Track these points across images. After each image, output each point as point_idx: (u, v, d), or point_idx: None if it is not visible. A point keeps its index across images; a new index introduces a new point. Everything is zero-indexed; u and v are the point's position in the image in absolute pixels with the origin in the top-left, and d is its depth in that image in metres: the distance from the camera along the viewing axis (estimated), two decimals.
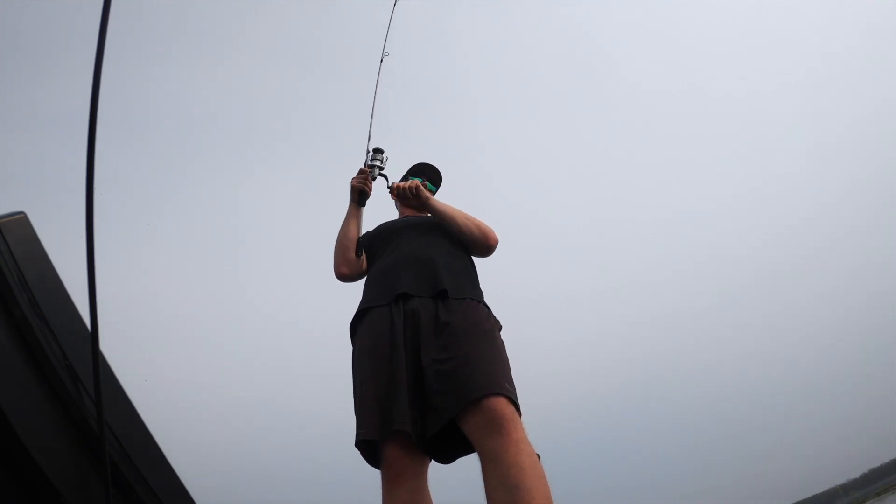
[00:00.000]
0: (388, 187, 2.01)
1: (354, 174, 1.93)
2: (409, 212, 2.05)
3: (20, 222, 0.79)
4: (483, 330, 1.50)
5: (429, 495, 1.39)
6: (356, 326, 1.63)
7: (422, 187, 1.93)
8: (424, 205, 1.93)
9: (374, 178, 1.93)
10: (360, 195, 1.89)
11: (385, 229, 1.92)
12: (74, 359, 0.79)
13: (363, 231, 1.93)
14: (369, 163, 1.96)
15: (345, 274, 1.84)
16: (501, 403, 1.28)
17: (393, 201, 2.14)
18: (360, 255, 1.84)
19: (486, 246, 1.83)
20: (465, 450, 1.40)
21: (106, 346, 0.79)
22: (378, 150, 1.98)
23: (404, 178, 2.11)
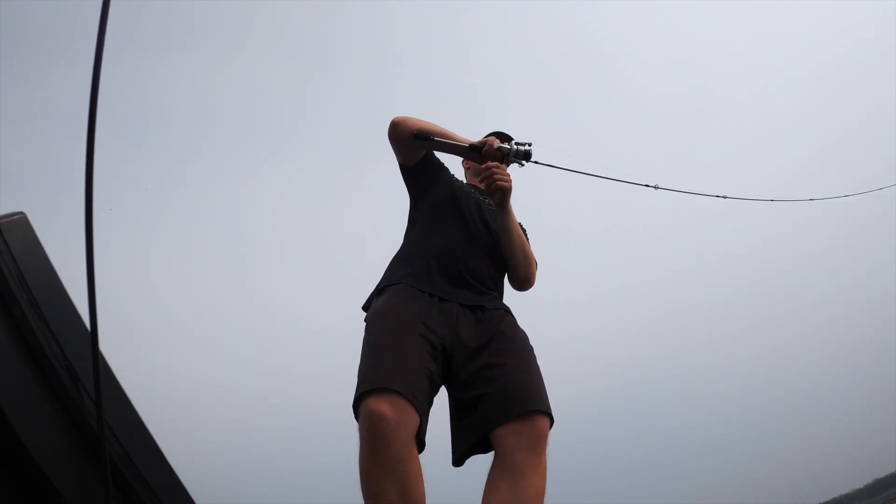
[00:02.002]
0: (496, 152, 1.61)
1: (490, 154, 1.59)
2: (475, 182, 1.77)
3: (20, 222, 0.79)
4: (529, 346, 1.50)
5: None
6: (393, 285, 1.49)
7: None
8: (502, 209, 1.60)
9: (504, 154, 1.60)
10: (478, 153, 1.59)
11: (455, 191, 1.67)
12: (74, 359, 0.79)
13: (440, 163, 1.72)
14: (514, 153, 1.61)
15: (396, 138, 1.60)
16: (547, 424, 1.33)
17: (463, 165, 1.87)
18: (419, 157, 1.64)
19: (521, 285, 1.70)
20: (472, 452, 1.38)
21: (106, 345, 0.79)
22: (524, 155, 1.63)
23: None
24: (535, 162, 1.64)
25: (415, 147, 1.61)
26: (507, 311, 1.57)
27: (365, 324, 1.45)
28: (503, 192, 1.56)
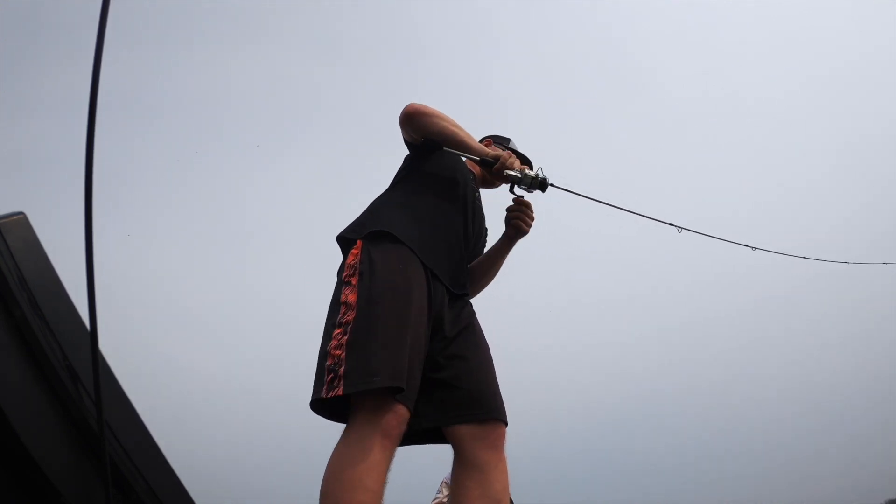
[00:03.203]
0: (516, 191, 1.62)
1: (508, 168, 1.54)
2: (474, 169, 1.71)
3: (20, 222, 0.79)
4: (488, 346, 1.49)
5: None
6: (399, 242, 1.37)
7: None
8: (510, 244, 1.65)
9: (514, 181, 1.56)
10: (489, 168, 1.54)
11: (459, 175, 1.60)
12: (74, 359, 0.79)
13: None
14: (524, 180, 1.56)
15: (407, 129, 1.54)
16: (504, 429, 1.37)
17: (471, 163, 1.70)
18: (431, 149, 1.56)
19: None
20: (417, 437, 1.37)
21: (106, 341, 0.79)
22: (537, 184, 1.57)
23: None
24: (553, 185, 1.58)
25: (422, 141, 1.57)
26: (471, 305, 1.56)
27: (361, 272, 1.32)
28: (522, 235, 1.63)
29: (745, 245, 2.25)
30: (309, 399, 1.26)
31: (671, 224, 1.86)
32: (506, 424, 1.38)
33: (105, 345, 0.80)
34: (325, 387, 1.20)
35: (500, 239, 1.68)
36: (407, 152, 1.69)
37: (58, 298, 0.81)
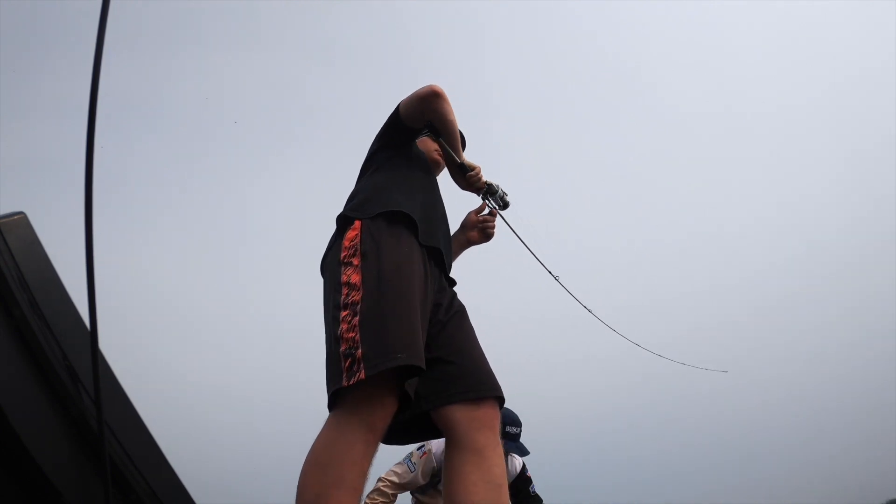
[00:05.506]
0: (487, 199, 1.71)
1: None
2: (434, 168, 1.72)
3: (20, 222, 0.79)
4: (473, 327, 1.47)
5: None
6: (404, 221, 1.37)
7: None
8: (465, 247, 1.69)
9: (491, 193, 1.68)
10: (462, 173, 1.62)
11: (425, 162, 1.65)
12: (74, 359, 0.79)
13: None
14: (499, 195, 1.69)
15: (424, 107, 1.50)
16: (498, 407, 1.32)
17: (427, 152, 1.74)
18: (421, 125, 1.58)
19: None
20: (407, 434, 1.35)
21: (105, 344, 0.79)
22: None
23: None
24: (500, 215, 1.73)
25: (423, 125, 1.59)
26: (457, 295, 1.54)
27: (364, 252, 1.28)
28: (487, 240, 1.69)
29: (631, 341, 2.22)
30: (327, 396, 1.19)
31: (550, 272, 1.94)
32: (502, 402, 1.33)
33: (104, 347, 0.80)
34: (343, 374, 1.13)
35: (457, 242, 1.68)
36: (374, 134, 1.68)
37: (58, 298, 0.81)
